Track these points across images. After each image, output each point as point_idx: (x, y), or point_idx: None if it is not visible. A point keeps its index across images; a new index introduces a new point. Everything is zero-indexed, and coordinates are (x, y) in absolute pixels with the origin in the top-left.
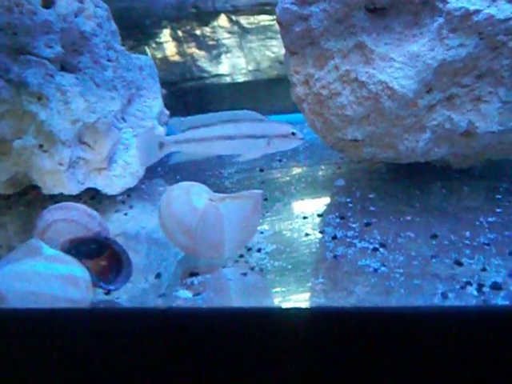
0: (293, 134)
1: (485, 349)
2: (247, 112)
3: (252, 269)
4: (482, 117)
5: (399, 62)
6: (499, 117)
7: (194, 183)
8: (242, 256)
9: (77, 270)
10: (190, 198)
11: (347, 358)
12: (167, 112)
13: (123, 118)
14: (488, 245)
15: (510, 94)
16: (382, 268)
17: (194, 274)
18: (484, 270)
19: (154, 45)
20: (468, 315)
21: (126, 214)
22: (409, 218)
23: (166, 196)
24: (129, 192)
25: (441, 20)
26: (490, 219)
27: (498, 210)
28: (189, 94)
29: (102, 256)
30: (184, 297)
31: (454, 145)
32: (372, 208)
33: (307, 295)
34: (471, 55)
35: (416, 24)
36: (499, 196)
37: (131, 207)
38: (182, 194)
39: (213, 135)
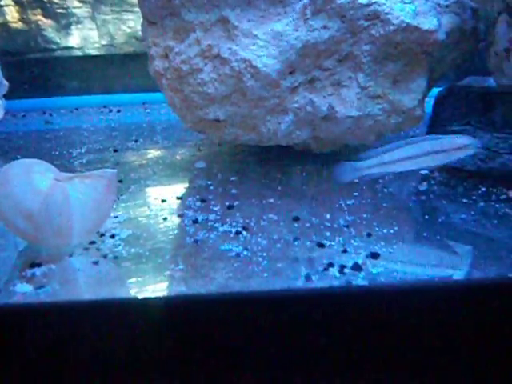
0: (468, 144)
1: (351, 328)
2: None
3: (105, 257)
4: (342, 101)
5: (263, 40)
6: (358, 102)
7: (36, 160)
8: (93, 243)
9: None
10: (32, 177)
11: (209, 345)
12: (6, 83)
13: None
14: (347, 227)
15: (368, 79)
16: (245, 252)
17: (35, 265)
18: (345, 251)
19: None
20: (332, 296)
21: None
22: (271, 200)
23: (1, 174)
24: None
25: (305, 0)
26: (348, 202)
27: (356, 194)
28: (34, 66)
29: None
30: (23, 291)
31: (315, 128)
32: (234, 191)
33: (166, 284)
34: (333, 38)
35: (281, 2)
36: (356, 180)
37: None
38: (21, 172)
39: (398, 157)
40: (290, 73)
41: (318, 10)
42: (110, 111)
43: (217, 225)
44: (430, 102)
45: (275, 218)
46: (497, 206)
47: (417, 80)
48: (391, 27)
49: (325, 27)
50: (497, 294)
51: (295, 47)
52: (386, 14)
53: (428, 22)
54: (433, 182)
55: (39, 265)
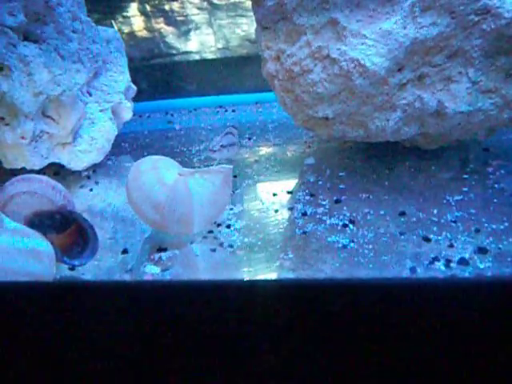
0: None
1: (455, 320)
2: None
3: (221, 245)
4: (452, 97)
5: (371, 40)
6: (468, 97)
7: (161, 157)
8: (211, 232)
9: (40, 244)
10: (159, 172)
11: (316, 330)
12: (134, 87)
13: (89, 92)
14: (455, 222)
15: (478, 74)
16: (352, 244)
17: (162, 250)
18: (451, 246)
19: (120, 19)
20: (437, 287)
21: (91, 190)
22: (378, 195)
23: (133, 169)
24: (94, 168)
25: None
26: (456, 198)
27: (465, 189)
28: (157, 71)
29: (67, 230)
30: (152, 272)
31: (424, 125)
32: (342, 186)
33: (276, 272)
34: (442, 34)
35: (389, 1)
36: (466, 176)
37: (97, 183)
38: (149, 167)
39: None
40: (399, 70)
41: (427, 7)
42: (226, 111)
43: (325, 218)
44: None
45: (382, 212)
46: None
47: None
48: (503, 21)
49: (434, 24)
50: None
51: (404, 45)
52: (497, 7)
53: None
54: None
55: (165, 250)
